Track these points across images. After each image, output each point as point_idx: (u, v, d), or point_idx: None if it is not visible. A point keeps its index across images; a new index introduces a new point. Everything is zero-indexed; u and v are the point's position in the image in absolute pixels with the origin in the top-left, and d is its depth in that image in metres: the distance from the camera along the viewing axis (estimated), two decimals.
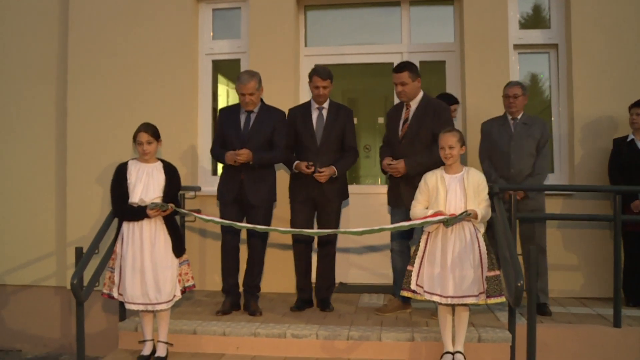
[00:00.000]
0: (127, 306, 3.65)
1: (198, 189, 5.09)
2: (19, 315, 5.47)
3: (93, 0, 5.45)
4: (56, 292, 5.42)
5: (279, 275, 5.17)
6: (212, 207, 5.05)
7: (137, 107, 5.30)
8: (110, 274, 3.72)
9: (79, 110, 5.39)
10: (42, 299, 5.44)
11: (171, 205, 3.62)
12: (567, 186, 4.96)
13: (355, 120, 4.61)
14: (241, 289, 4.44)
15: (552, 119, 5.22)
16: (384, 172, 4.34)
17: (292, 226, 4.42)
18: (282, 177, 4.76)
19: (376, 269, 5.29)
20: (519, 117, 4.48)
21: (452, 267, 3.44)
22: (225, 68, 5.78)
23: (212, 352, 3.86)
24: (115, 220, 3.83)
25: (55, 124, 5.51)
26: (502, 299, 3.43)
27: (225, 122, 4.42)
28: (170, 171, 3.77)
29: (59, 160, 5.48)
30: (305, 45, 5.57)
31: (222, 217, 4.23)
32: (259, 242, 4.39)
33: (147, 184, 3.66)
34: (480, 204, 3.48)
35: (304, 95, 5.28)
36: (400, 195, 4.21)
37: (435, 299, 3.46)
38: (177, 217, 3.93)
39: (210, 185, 5.31)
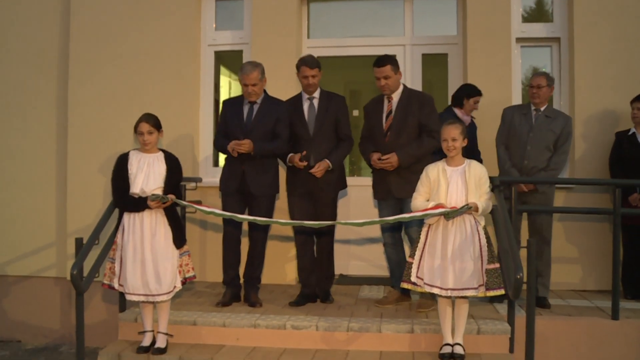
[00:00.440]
0: (128, 297, 3.65)
1: (199, 180, 5.08)
2: (19, 306, 5.46)
3: None
4: (56, 282, 5.41)
5: (279, 266, 5.18)
6: (213, 198, 5.05)
7: (139, 97, 5.28)
8: (111, 265, 3.72)
9: (80, 100, 5.37)
10: (42, 290, 5.43)
11: (171, 197, 3.61)
12: (567, 179, 4.95)
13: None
14: (242, 280, 4.44)
15: None
16: (371, 167, 4.32)
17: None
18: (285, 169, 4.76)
19: (376, 261, 5.30)
20: (542, 108, 4.40)
21: (452, 259, 3.45)
22: (227, 59, 5.76)
23: (212, 343, 3.87)
24: (116, 211, 3.83)
25: (56, 114, 5.49)
26: (502, 292, 3.45)
27: (228, 113, 4.40)
28: (172, 161, 3.76)
29: (60, 150, 5.46)
30: (308, 37, 5.54)
31: (224, 208, 4.23)
32: (260, 233, 4.38)
33: (148, 174, 3.64)
34: (481, 197, 3.49)
35: None
36: (389, 187, 4.20)
37: (435, 291, 3.48)
38: (178, 208, 3.93)
39: (211, 176, 5.32)
